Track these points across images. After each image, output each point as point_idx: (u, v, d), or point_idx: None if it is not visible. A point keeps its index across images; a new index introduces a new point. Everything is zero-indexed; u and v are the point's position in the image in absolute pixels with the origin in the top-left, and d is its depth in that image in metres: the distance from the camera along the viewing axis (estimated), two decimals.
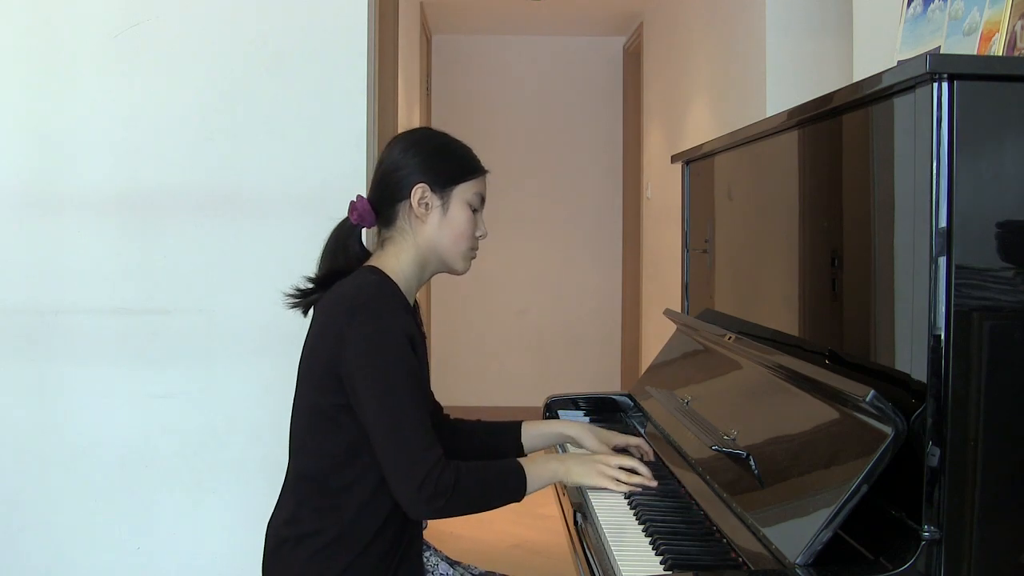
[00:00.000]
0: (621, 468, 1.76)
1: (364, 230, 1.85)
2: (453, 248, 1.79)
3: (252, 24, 2.68)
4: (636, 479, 1.75)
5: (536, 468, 1.72)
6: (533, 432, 1.99)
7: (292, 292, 1.81)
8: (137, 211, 2.68)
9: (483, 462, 1.71)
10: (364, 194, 1.85)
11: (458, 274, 1.84)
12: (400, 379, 1.62)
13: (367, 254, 1.83)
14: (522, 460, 1.73)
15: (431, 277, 1.85)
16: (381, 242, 1.81)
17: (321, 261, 1.82)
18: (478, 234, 1.82)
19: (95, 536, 2.70)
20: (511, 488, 1.69)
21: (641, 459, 1.93)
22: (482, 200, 1.82)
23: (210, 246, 2.69)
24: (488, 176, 1.84)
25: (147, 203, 2.68)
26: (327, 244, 1.83)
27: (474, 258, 1.85)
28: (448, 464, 1.62)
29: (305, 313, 1.82)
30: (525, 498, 1.72)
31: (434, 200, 1.76)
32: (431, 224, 1.77)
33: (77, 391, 2.70)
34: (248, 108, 2.68)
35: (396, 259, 1.77)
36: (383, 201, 1.79)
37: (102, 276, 2.69)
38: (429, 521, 1.87)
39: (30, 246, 2.68)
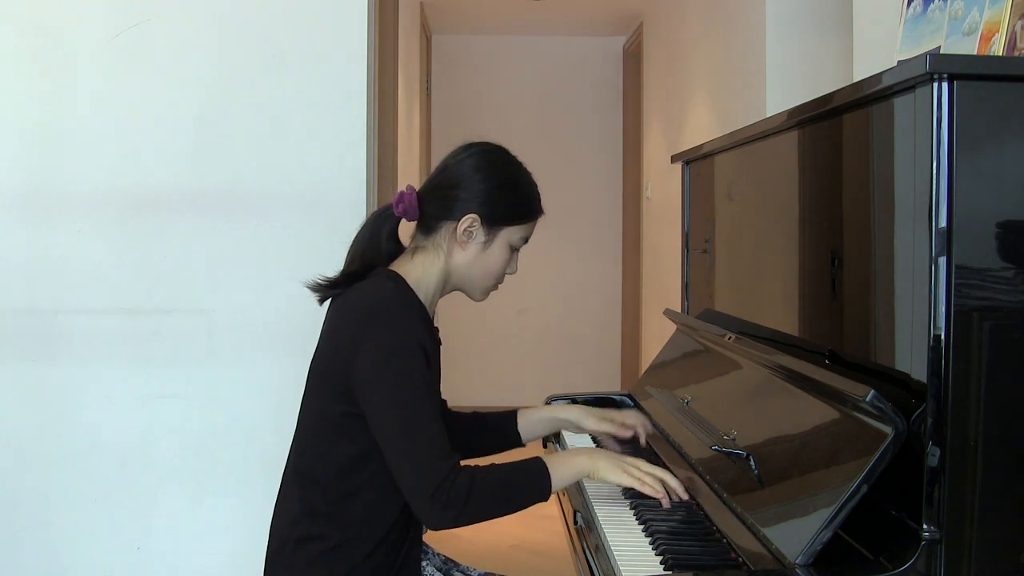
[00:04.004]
0: (652, 475, 1.69)
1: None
2: (480, 281, 1.78)
3: (252, 24, 2.68)
4: (662, 489, 1.67)
5: (561, 466, 1.67)
6: (531, 419, 1.98)
7: (320, 280, 1.75)
8: (137, 211, 2.68)
9: (502, 465, 1.65)
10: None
11: (473, 300, 1.83)
12: (413, 390, 1.59)
13: (399, 250, 1.79)
14: (547, 456, 1.68)
15: (448, 293, 1.83)
16: (413, 249, 1.77)
17: (353, 246, 1.78)
18: (509, 271, 1.79)
19: (95, 536, 2.70)
20: (534, 489, 1.64)
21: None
22: (526, 240, 1.79)
23: (210, 246, 2.69)
24: None
25: (147, 203, 2.68)
26: (362, 230, 1.79)
27: (495, 290, 1.82)
28: (461, 472, 1.57)
29: (321, 302, 1.78)
30: None
31: (480, 234, 1.72)
32: (467, 254, 1.74)
33: (77, 391, 2.70)
34: (248, 108, 2.68)
35: (422, 270, 1.73)
36: (432, 208, 1.74)
37: (102, 276, 2.69)
38: None
39: (30, 246, 2.68)
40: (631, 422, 2.00)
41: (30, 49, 2.68)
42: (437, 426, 1.60)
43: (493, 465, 1.64)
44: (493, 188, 1.73)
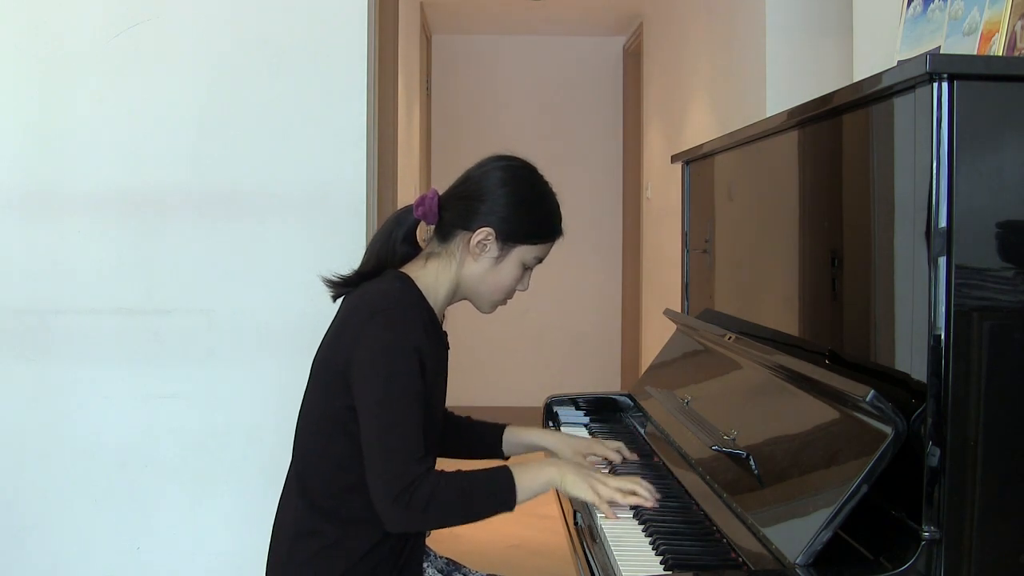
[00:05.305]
0: (620, 489, 1.64)
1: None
2: (488, 295, 1.78)
3: (252, 24, 2.68)
4: (632, 500, 1.63)
5: (529, 476, 1.64)
6: (512, 440, 1.98)
7: (335, 278, 1.77)
8: (137, 211, 2.68)
9: (469, 472, 1.63)
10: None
11: (481, 312, 1.83)
12: (399, 391, 1.59)
13: (414, 253, 1.80)
14: (515, 467, 1.66)
15: (457, 302, 1.83)
16: (427, 254, 1.77)
17: (370, 246, 1.80)
18: (520, 288, 1.80)
19: (95, 536, 2.70)
20: (499, 499, 1.62)
21: (625, 462, 1.93)
22: (540, 260, 1.79)
23: (210, 246, 2.69)
24: None
25: (147, 203, 2.68)
26: (380, 230, 1.80)
27: (504, 305, 1.82)
28: (427, 477, 1.56)
29: (334, 299, 1.79)
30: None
31: (493, 248, 1.73)
32: (479, 267, 1.74)
33: (77, 391, 2.69)
34: (248, 108, 2.68)
35: (434, 277, 1.74)
36: (450, 215, 1.74)
37: (102, 276, 2.69)
38: None
39: (30, 246, 2.68)
40: (610, 457, 1.94)
41: (30, 49, 2.68)
42: (416, 430, 1.59)
43: (459, 472, 1.62)
44: (514, 205, 1.73)
